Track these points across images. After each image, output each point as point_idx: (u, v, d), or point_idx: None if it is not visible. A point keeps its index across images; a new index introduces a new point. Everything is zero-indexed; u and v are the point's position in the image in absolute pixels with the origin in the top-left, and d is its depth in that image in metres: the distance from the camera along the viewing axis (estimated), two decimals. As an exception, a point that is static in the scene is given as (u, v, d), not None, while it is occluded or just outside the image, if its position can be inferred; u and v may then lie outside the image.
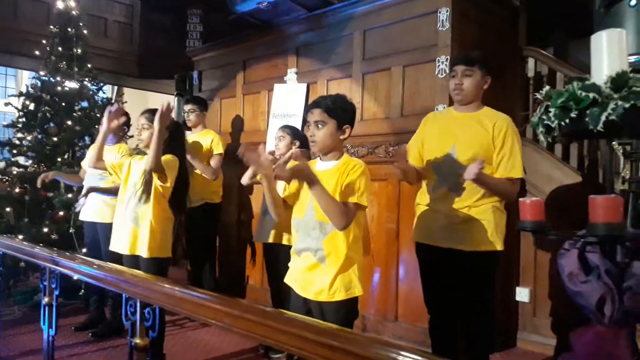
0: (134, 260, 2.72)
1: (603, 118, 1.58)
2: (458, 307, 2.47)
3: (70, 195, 4.19)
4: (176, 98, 6.25)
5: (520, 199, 1.76)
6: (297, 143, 3.30)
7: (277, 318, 1.32)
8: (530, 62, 3.53)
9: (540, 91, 1.81)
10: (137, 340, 1.77)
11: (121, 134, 3.71)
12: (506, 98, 3.41)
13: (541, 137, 1.87)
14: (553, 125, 1.66)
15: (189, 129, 4.09)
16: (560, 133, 1.72)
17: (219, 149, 3.98)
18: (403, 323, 3.36)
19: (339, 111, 2.06)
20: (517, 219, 2.72)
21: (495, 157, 2.34)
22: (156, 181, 2.69)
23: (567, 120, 1.62)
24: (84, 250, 3.87)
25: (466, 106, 2.44)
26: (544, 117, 1.71)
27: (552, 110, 1.64)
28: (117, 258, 3.29)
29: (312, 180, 1.92)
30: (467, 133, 2.38)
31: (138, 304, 1.76)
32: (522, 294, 3.40)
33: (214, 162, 3.97)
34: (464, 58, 2.42)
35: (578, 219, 2.80)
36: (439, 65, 3.15)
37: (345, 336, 1.20)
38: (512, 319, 3.42)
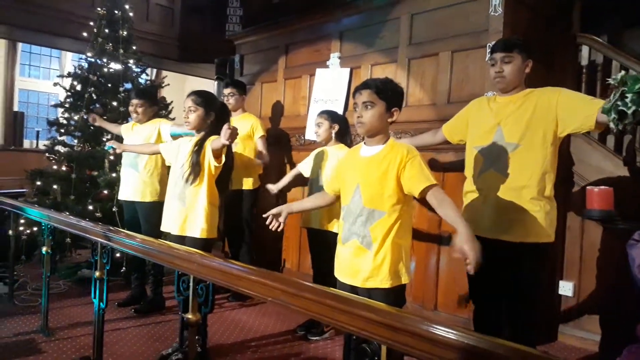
0: (180, 240, 2.75)
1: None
2: (504, 298, 2.42)
3: (114, 175, 4.27)
4: (216, 82, 6.30)
5: (588, 187, 1.71)
6: (336, 127, 3.28)
7: (337, 298, 1.32)
8: (584, 50, 3.41)
9: (614, 76, 1.74)
10: (189, 316, 1.80)
11: (152, 114, 3.74)
12: (556, 86, 3.31)
13: (611, 125, 1.79)
14: (629, 112, 1.59)
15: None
16: (634, 120, 1.65)
17: (259, 131, 3.99)
18: (442, 313, 3.33)
19: (389, 93, 2.03)
20: (563, 210, 2.64)
21: (562, 116, 2.22)
22: (211, 161, 2.71)
23: (646, 107, 1.55)
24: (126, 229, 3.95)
25: (510, 92, 2.38)
26: (619, 102, 1.64)
27: (629, 95, 1.58)
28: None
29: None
30: (512, 113, 2.32)
31: (191, 280, 1.79)
32: (566, 288, 3.32)
33: (261, 146, 3.98)
34: (502, 44, 2.36)
35: (634, 210, 2.74)
36: (489, 52, 3.07)
37: (409, 317, 1.20)
38: (554, 313, 3.35)
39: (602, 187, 1.70)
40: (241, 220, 4.09)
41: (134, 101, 3.62)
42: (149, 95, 3.76)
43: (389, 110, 2.04)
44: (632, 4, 3.88)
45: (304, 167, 3.49)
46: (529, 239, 2.27)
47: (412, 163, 1.97)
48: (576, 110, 2.20)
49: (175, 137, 3.55)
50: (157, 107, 4.06)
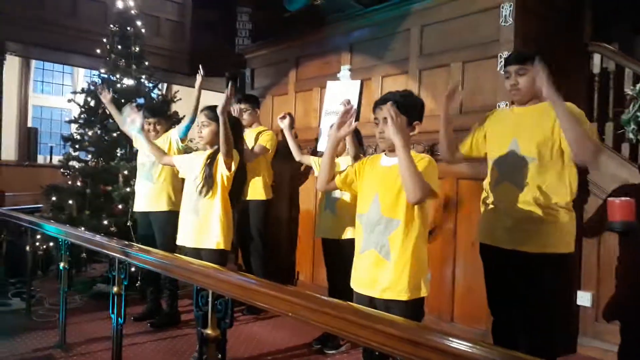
0: (195, 253, 2.76)
1: None
2: (522, 308, 2.40)
3: (128, 189, 4.31)
4: (227, 96, 6.34)
5: (609, 199, 1.70)
6: None
7: (359, 313, 1.32)
8: (596, 58, 3.40)
9: (632, 87, 1.73)
10: (209, 331, 1.81)
11: (166, 128, 3.79)
12: (569, 95, 3.28)
13: (630, 135, 1.79)
14: (649, 123, 1.59)
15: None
16: (654, 130, 1.64)
17: (264, 140, 4.01)
18: (459, 324, 3.31)
19: (410, 107, 2.03)
20: (579, 219, 2.63)
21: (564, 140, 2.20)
22: (223, 170, 2.73)
23: (665, 117, 1.54)
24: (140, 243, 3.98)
25: (526, 104, 2.37)
26: (639, 114, 1.64)
27: (649, 106, 1.58)
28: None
29: (405, 143, 1.89)
30: (528, 126, 2.31)
31: (210, 295, 1.80)
32: (584, 298, 3.28)
33: (256, 148, 3.98)
34: (516, 57, 2.37)
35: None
36: (500, 62, 3.08)
37: (430, 332, 1.19)
38: (572, 324, 3.31)
39: (623, 198, 1.69)
40: (253, 232, 4.10)
41: (151, 120, 3.68)
42: (162, 112, 3.84)
43: (410, 124, 2.03)
44: (643, 11, 3.87)
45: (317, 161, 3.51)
46: (548, 250, 2.24)
47: (420, 165, 1.94)
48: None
49: (184, 138, 3.61)
50: (171, 122, 4.12)
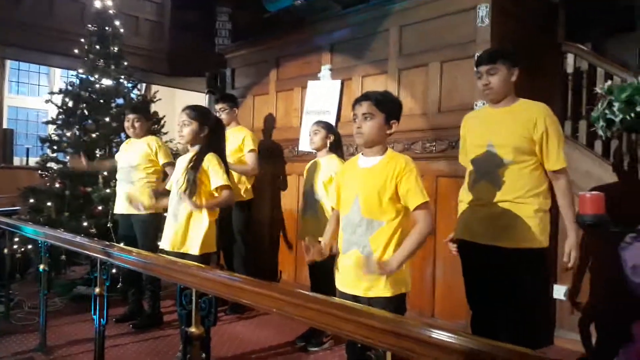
0: (179, 257, 2.74)
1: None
2: (500, 303, 2.45)
3: (108, 191, 4.27)
4: (207, 95, 6.33)
5: (580, 193, 1.75)
6: (332, 137, 3.33)
7: (343, 308, 1.35)
8: (570, 58, 3.49)
9: (601, 86, 1.80)
10: (193, 329, 1.82)
11: (147, 128, 3.78)
12: (544, 94, 3.37)
13: (600, 132, 1.86)
14: (617, 120, 1.65)
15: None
16: (622, 127, 1.71)
17: (249, 145, 4.01)
18: (440, 320, 3.37)
19: (388, 105, 2.08)
20: (555, 214, 2.72)
21: (539, 149, 2.29)
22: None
23: (632, 115, 1.61)
24: (121, 244, 3.95)
25: (500, 102, 2.41)
26: (607, 111, 1.70)
27: (616, 104, 1.64)
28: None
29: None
30: (504, 127, 2.36)
31: (194, 294, 1.81)
32: (560, 292, 3.36)
33: (249, 159, 4.00)
34: (485, 57, 2.40)
35: (623, 214, 2.79)
36: (475, 65, 3.14)
37: (412, 324, 1.23)
38: (549, 317, 3.39)
39: (594, 192, 1.75)
40: (235, 233, 4.10)
41: (130, 116, 3.64)
42: (143, 110, 3.80)
43: (387, 122, 2.07)
44: (614, 13, 3.98)
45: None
46: (524, 245, 2.29)
47: (409, 177, 2.01)
48: (544, 153, 2.30)
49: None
50: (152, 122, 4.10)
